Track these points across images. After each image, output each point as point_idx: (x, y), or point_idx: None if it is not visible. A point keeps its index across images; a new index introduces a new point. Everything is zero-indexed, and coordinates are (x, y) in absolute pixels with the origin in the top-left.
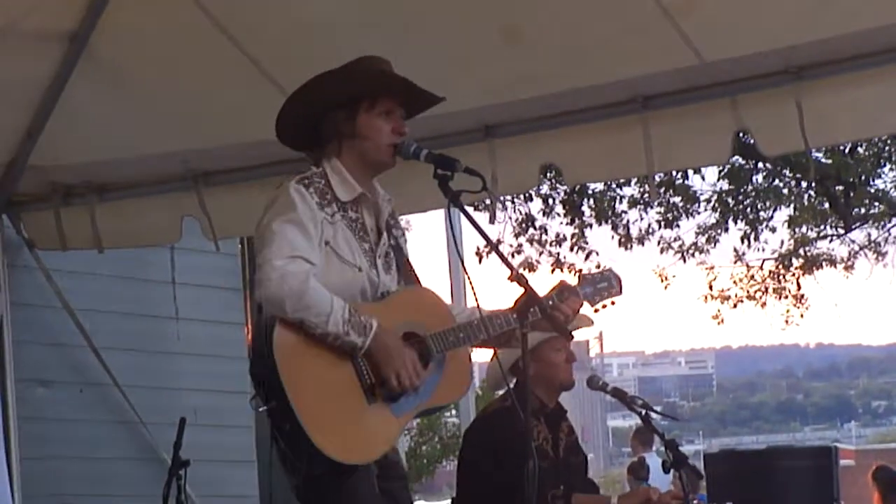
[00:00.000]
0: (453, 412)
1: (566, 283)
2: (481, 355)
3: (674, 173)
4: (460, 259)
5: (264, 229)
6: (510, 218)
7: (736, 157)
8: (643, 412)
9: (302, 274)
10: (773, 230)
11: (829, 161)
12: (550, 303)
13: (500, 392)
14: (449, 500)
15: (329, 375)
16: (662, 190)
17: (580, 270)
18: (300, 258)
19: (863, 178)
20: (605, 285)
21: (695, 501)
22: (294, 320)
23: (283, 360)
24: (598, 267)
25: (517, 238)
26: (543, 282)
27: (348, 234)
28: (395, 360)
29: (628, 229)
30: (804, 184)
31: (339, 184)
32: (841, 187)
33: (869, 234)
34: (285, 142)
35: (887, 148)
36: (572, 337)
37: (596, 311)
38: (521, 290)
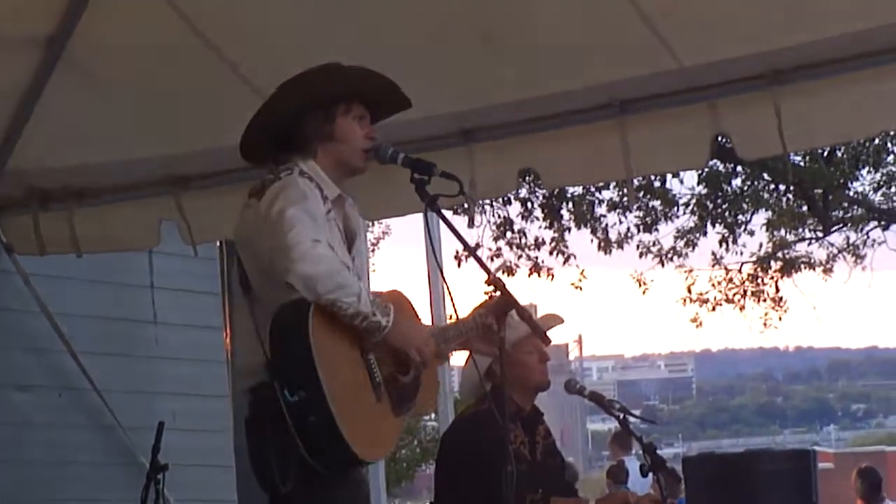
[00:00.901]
0: (432, 416)
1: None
2: (458, 359)
3: (652, 177)
4: (438, 263)
5: (278, 216)
6: (489, 221)
7: (714, 160)
8: (621, 416)
9: (332, 256)
10: (752, 233)
11: (807, 165)
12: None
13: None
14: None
15: (349, 370)
16: (641, 194)
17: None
18: (324, 242)
19: (841, 181)
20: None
21: None
22: (326, 302)
23: (318, 347)
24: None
25: (496, 242)
26: (522, 285)
27: (335, 232)
28: (417, 337)
29: (607, 233)
30: (782, 187)
31: (323, 183)
32: (819, 190)
33: (847, 237)
34: (248, 154)
35: (865, 151)
36: (549, 341)
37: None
38: (498, 293)
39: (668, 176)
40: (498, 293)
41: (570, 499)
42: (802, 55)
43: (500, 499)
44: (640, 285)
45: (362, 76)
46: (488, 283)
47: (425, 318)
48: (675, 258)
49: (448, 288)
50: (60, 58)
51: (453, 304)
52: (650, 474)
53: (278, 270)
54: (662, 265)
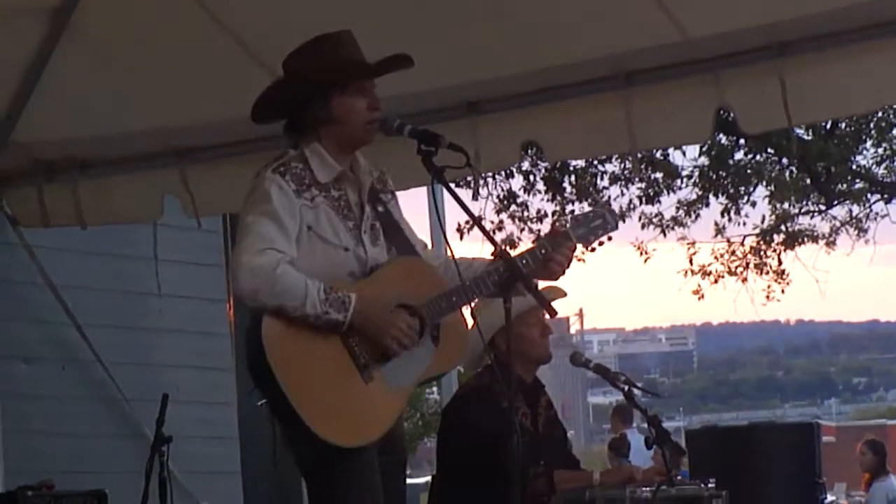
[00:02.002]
0: (435, 389)
1: (556, 228)
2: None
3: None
4: (443, 235)
5: (241, 222)
6: (491, 195)
7: (718, 134)
8: (626, 388)
9: (271, 263)
10: (754, 205)
11: (810, 140)
12: (543, 251)
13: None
14: (430, 477)
15: (322, 360)
16: (643, 166)
17: (572, 212)
18: (271, 249)
19: (844, 154)
20: (598, 223)
21: (677, 478)
22: (272, 309)
23: (272, 351)
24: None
25: (498, 215)
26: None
27: (332, 215)
28: (386, 326)
29: (609, 206)
30: (785, 160)
31: (319, 166)
32: (822, 164)
33: (850, 211)
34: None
35: (868, 125)
36: (555, 312)
37: (592, 249)
38: (504, 263)
39: (671, 148)
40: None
41: (574, 471)
42: (808, 27)
43: (502, 471)
44: (641, 254)
45: (349, 61)
46: (494, 255)
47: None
48: (677, 228)
49: (455, 259)
50: (65, 29)
51: (459, 275)
52: (653, 447)
53: None
54: (664, 235)
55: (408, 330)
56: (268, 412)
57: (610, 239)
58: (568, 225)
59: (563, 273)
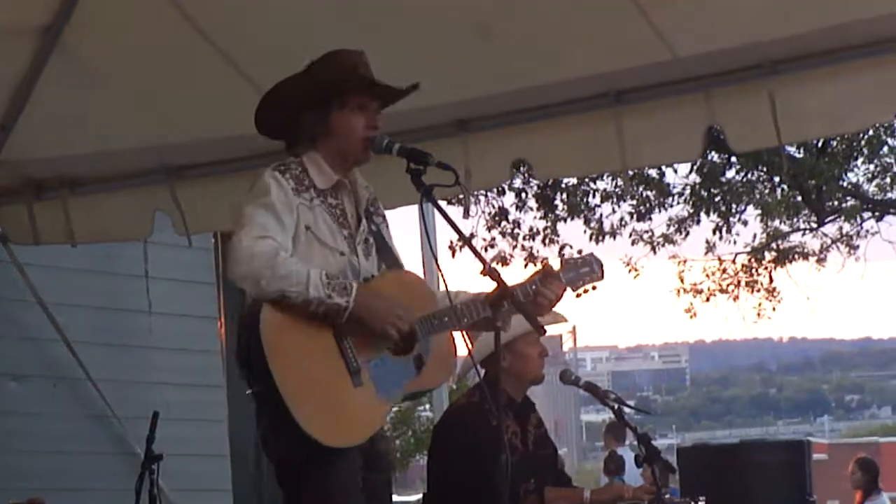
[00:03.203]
0: (427, 406)
1: (549, 267)
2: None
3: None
4: (433, 254)
5: (238, 213)
6: (483, 212)
7: (710, 152)
8: (616, 406)
9: (271, 250)
10: (745, 223)
11: (801, 158)
12: (533, 287)
13: (470, 379)
14: (421, 495)
15: (315, 358)
16: (635, 183)
17: (562, 255)
18: (269, 238)
19: (835, 172)
20: (586, 270)
21: (667, 496)
22: (275, 295)
23: (269, 341)
24: (580, 252)
25: (490, 232)
26: (517, 276)
27: (328, 219)
28: (385, 313)
29: (601, 223)
30: (777, 178)
31: (317, 174)
32: (813, 181)
33: (841, 228)
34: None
35: (859, 142)
36: (545, 331)
37: (577, 296)
38: (495, 284)
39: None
40: (494, 284)
41: (564, 488)
42: (798, 46)
43: (493, 489)
44: (630, 271)
45: (350, 73)
46: (483, 273)
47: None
48: (668, 245)
49: (444, 279)
50: (56, 47)
51: (447, 293)
52: (643, 465)
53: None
54: (654, 252)
55: (405, 315)
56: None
57: (595, 288)
58: (559, 268)
59: (549, 309)
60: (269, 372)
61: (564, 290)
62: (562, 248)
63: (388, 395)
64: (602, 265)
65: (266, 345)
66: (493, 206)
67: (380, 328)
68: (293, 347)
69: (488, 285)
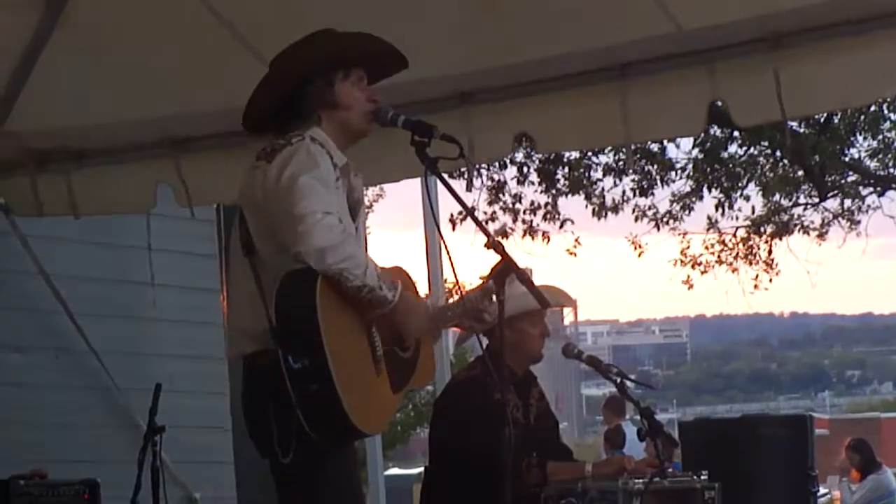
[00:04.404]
0: None
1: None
2: None
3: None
4: (437, 226)
5: (290, 182)
6: (484, 185)
7: (713, 126)
8: (618, 380)
9: (339, 226)
10: (748, 198)
11: (803, 131)
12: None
13: (470, 351)
14: (422, 468)
15: (352, 341)
16: (637, 158)
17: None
18: (332, 214)
19: (837, 147)
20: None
21: (669, 469)
22: (334, 273)
23: (324, 316)
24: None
25: (491, 206)
26: (518, 249)
27: (343, 201)
28: (420, 321)
29: (603, 198)
30: (779, 153)
31: (330, 150)
32: (816, 157)
33: (842, 203)
34: (251, 126)
35: (862, 118)
36: (549, 305)
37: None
38: (498, 258)
39: (665, 140)
40: (498, 257)
41: (566, 462)
42: (802, 20)
43: (495, 462)
44: (635, 248)
45: (357, 40)
46: (488, 246)
47: (423, 286)
48: (671, 222)
49: (448, 250)
50: (60, 19)
51: (452, 266)
52: (646, 439)
53: (287, 239)
54: (658, 228)
55: (437, 330)
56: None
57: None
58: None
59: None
60: (322, 346)
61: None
62: (563, 223)
63: (397, 388)
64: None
65: (322, 318)
66: (494, 180)
67: (411, 329)
68: (342, 326)
69: (491, 258)
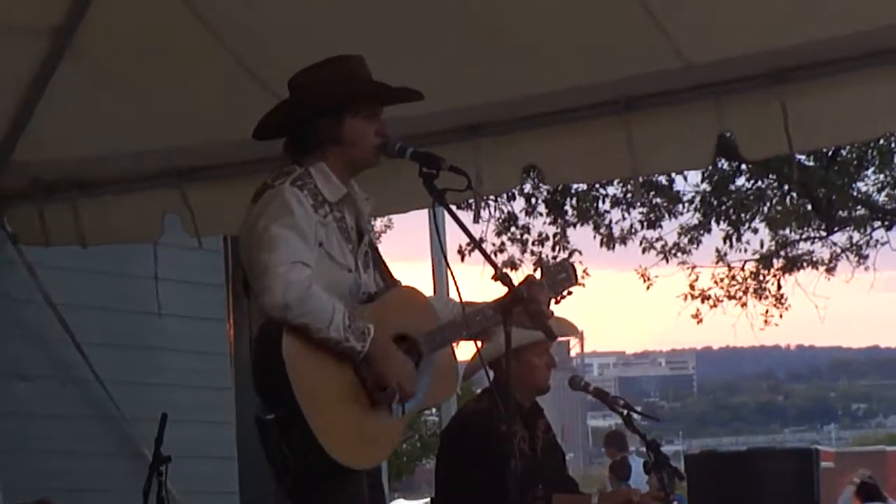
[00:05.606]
0: (434, 410)
1: (532, 277)
2: (463, 353)
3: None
4: (444, 258)
5: (262, 232)
6: (493, 216)
7: (720, 159)
8: (625, 412)
9: (305, 281)
10: (756, 231)
11: (811, 164)
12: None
13: (476, 383)
14: (428, 499)
15: (335, 381)
16: (645, 190)
17: (540, 263)
18: (301, 263)
19: (845, 181)
20: (564, 276)
21: (674, 502)
22: (298, 325)
23: (292, 366)
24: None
25: (499, 237)
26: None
27: (338, 235)
28: (394, 367)
29: (611, 229)
30: (787, 186)
31: (324, 185)
32: (823, 191)
33: (850, 237)
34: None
35: (870, 152)
36: (556, 337)
37: (556, 302)
38: (505, 289)
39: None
40: (506, 289)
41: (572, 495)
42: (810, 54)
43: (502, 494)
44: (644, 281)
45: (371, 82)
46: (495, 278)
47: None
48: (679, 255)
49: (456, 281)
50: (67, 48)
51: (460, 297)
52: (651, 472)
53: (255, 288)
54: (666, 261)
55: (410, 378)
56: (265, 429)
57: (571, 293)
58: (539, 276)
59: (548, 316)
60: (293, 395)
61: (549, 297)
62: (571, 254)
63: (401, 414)
64: (575, 270)
65: (289, 369)
66: (503, 211)
67: (387, 380)
68: (314, 371)
69: (498, 290)
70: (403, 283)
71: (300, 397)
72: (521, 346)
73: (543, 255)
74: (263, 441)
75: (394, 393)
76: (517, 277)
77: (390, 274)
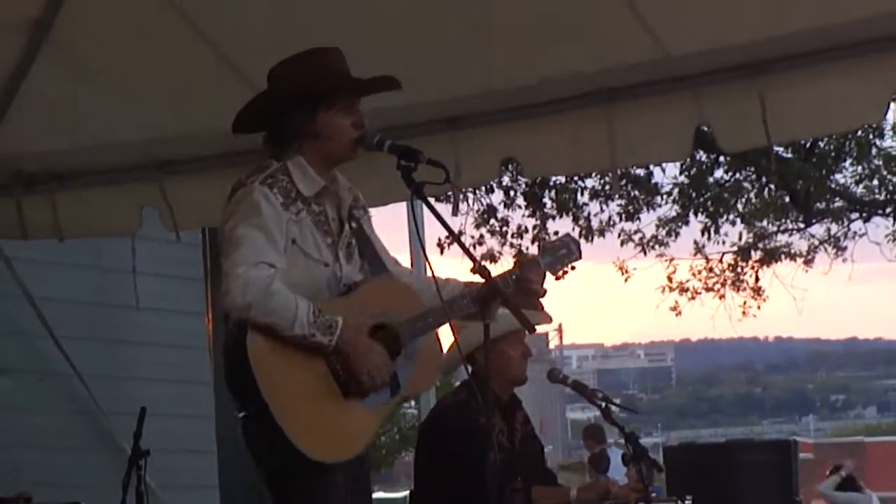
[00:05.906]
0: (412, 403)
1: (526, 255)
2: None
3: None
4: (423, 251)
5: (230, 233)
6: (472, 209)
7: (698, 151)
8: (603, 405)
9: (265, 279)
10: (734, 223)
11: (790, 159)
12: (514, 276)
13: (455, 376)
14: (407, 492)
15: (304, 375)
16: (623, 182)
17: (542, 239)
18: (263, 263)
19: (823, 173)
20: (564, 252)
21: (653, 494)
22: (262, 325)
23: (257, 364)
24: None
25: (478, 229)
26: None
27: (314, 230)
28: (364, 358)
29: (589, 221)
30: (765, 178)
31: (301, 179)
32: (801, 183)
33: (829, 229)
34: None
35: (848, 143)
36: (534, 329)
37: (557, 277)
38: (483, 281)
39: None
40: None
41: (551, 487)
42: (788, 46)
43: (480, 487)
44: (622, 273)
45: (344, 75)
46: (473, 271)
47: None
48: (657, 247)
49: (434, 275)
50: (45, 41)
51: (438, 291)
52: (629, 464)
53: (222, 287)
54: (644, 253)
55: (382, 366)
56: (243, 426)
57: (574, 268)
58: (537, 253)
59: (541, 295)
60: (259, 393)
61: (545, 274)
62: None
63: (377, 406)
64: (578, 244)
65: (255, 368)
66: (482, 204)
67: (358, 376)
68: (281, 368)
69: (477, 282)
70: (383, 274)
71: (267, 395)
72: (494, 338)
73: (523, 248)
74: (244, 436)
75: (365, 384)
76: (496, 270)
77: (384, 258)
